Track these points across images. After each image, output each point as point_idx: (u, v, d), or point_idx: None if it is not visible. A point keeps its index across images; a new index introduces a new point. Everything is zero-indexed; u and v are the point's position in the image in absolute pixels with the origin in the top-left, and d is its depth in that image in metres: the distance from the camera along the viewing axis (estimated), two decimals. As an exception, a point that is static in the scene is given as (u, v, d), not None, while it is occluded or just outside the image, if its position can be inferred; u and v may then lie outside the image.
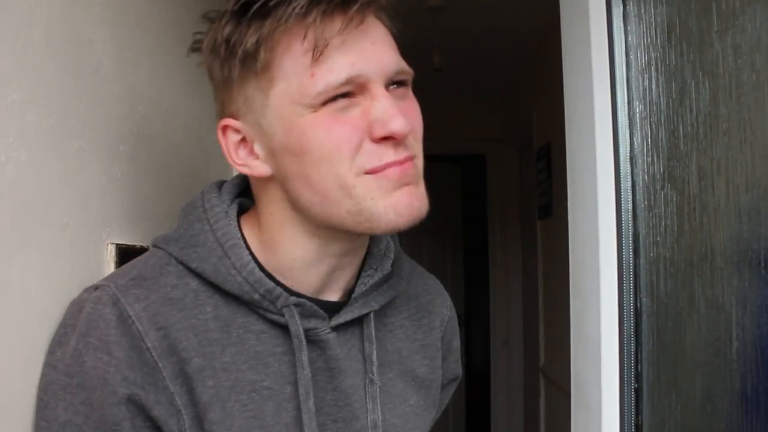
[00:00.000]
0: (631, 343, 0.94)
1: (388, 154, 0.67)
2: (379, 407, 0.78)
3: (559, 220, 1.14)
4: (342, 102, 0.66)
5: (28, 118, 0.71)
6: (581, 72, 1.00)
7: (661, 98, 0.92)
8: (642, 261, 0.93)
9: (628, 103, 0.96)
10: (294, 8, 0.64)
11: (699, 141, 0.86)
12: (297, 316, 0.72)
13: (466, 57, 3.18)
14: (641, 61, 0.96)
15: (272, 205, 0.74)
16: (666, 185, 0.91)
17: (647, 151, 0.93)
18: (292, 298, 0.72)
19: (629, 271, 0.94)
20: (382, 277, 0.78)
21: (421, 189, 0.71)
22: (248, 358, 0.72)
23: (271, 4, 0.65)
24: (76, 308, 0.72)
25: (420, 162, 0.71)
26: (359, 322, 0.78)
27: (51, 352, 0.71)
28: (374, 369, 0.77)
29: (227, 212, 0.75)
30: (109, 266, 0.87)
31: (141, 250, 0.95)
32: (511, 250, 3.78)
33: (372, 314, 0.78)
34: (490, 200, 3.81)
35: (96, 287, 0.71)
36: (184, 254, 0.73)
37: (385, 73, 0.68)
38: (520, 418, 3.90)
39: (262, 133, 0.70)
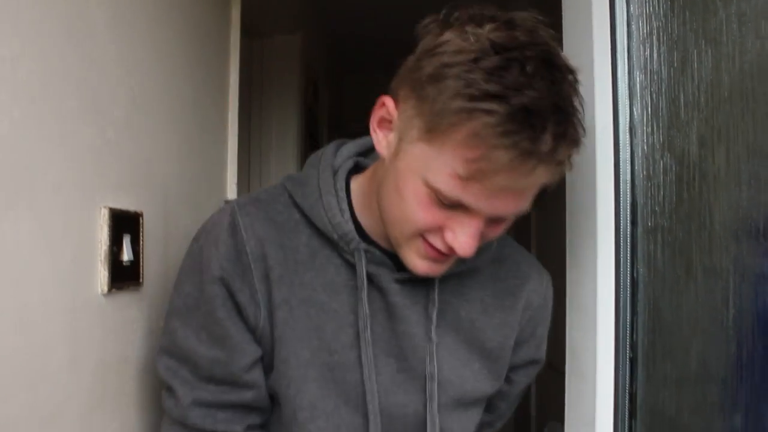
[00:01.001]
0: (626, 312, 0.93)
1: (441, 243, 0.77)
2: (435, 362, 0.87)
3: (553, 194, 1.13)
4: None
5: (20, 74, 0.69)
6: (582, 42, 0.99)
7: (663, 67, 0.91)
8: (639, 230, 0.92)
9: (629, 72, 0.95)
10: (522, 147, 0.66)
11: (700, 109, 0.85)
12: (363, 260, 0.84)
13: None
14: (643, 30, 0.95)
15: (373, 179, 0.86)
16: (665, 154, 0.90)
17: (647, 120, 0.92)
18: (363, 245, 0.85)
19: (626, 241, 0.93)
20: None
21: (447, 265, 0.83)
22: (324, 283, 0.86)
23: (527, 120, 0.66)
24: (210, 216, 0.90)
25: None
26: (429, 283, 0.87)
27: (190, 245, 0.89)
28: (432, 328, 0.87)
29: (333, 165, 0.90)
30: (103, 230, 0.86)
31: (135, 216, 0.95)
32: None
33: (437, 282, 0.87)
34: None
35: (226, 201, 0.91)
36: (294, 190, 0.89)
37: (496, 214, 0.75)
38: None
39: (397, 143, 0.77)
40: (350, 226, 0.85)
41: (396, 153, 0.77)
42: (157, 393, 1.03)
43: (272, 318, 0.84)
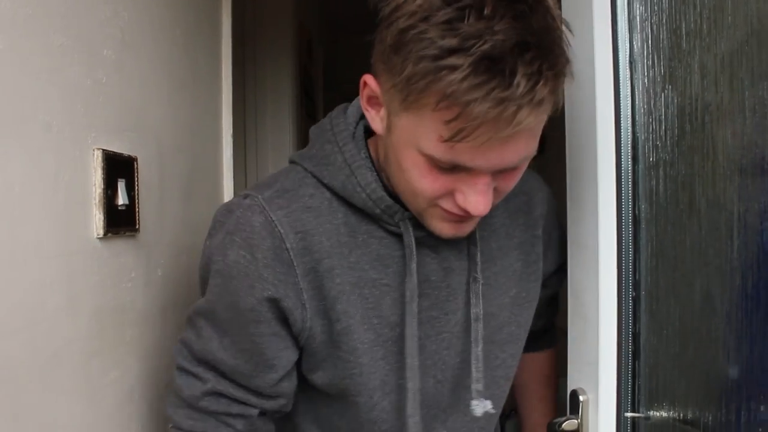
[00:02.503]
0: (629, 250, 0.92)
1: (455, 207, 0.75)
2: (481, 302, 0.88)
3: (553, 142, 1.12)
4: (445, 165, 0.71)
5: (3, 3, 0.67)
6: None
7: (663, -2, 0.89)
8: (641, 167, 0.91)
9: (628, 5, 0.93)
10: (495, 96, 0.63)
11: (702, 38, 0.83)
12: (411, 228, 0.82)
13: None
14: (643, -38, 0.93)
15: (381, 150, 0.83)
16: (667, 87, 0.88)
17: (647, 53, 0.90)
18: (408, 213, 0.82)
19: (628, 178, 0.92)
20: None
21: (472, 225, 0.82)
22: (371, 260, 0.83)
23: (493, 67, 0.63)
24: (226, 209, 0.85)
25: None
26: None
27: (209, 244, 0.85)
28: (478, 269, 0.87)
29: (354, 134, 0.84)
30: (96, 172, 0.85)
31: (129, 160, 0.93)
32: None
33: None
34: None
35: (246, 196, 0.83)
36: (318, 171, 0.83)
37: (497, 168, 0.72)
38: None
39: (387, 118, 0.75)
40: (391, 199, 0.82)
41: (388, 128, 0.75)
42: (158, 344, 1.03)
43: (329, 313, 0.82)
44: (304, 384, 0.90)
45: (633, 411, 0.96)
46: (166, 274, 1.07)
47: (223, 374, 0.85)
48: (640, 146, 0.92)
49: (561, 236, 1.03)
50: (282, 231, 0.79)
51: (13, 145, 0.69)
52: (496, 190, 0.76)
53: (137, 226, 0.95)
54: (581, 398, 0.96)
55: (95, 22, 0.86)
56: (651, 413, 0.95)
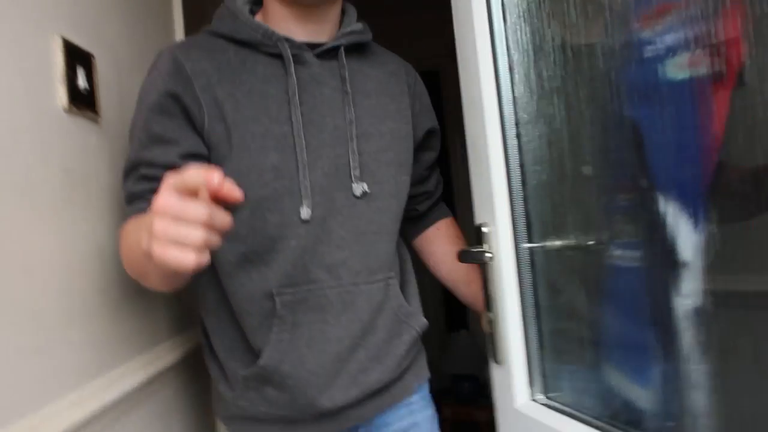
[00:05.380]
0: (510, 100, 1.11)
1: None
2: (353, 110, 1.14)
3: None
4: None
5: None
6: None
7: None
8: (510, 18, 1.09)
9: None
10: None
11: None
12: (287, 46, 1.09)
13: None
14: None
15: None
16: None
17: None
18: (283, 35, 1.09)
19: (501, 30, 1.10)
20: (350, 30, 1.17)
21: None
22: (259, 77, 1.08)
23: None
24: (155, 57, 1.11)
25: None
26: (339, 57, 1.14)
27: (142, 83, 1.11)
28: (347, 84, 1.14)
29: (236, 1, 1.14)
30: (57, 54, 1.02)
31: (87, 54, 1.11)
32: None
33: (343, 49, 1.14)
34: (447, 119, 3.75)
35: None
36: (213, 24, 1.12)
37: None
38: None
39: None
40: (267, 25, 1.09)
41: None
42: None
43: (221, 112, 1.05)
44: None
45: (529, 242, 1.14)
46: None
47: (147, 164, 1.06)
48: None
49: (429, 103, 1.35)
50: (181, 58, 1.06)
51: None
52: None
53: (98, 112, 1.13)
54: (484, 230, 1.14)
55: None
56: (545, 244, 1.13)
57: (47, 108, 1.00)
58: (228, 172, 1.04)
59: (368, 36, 1.21)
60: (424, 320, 1.26)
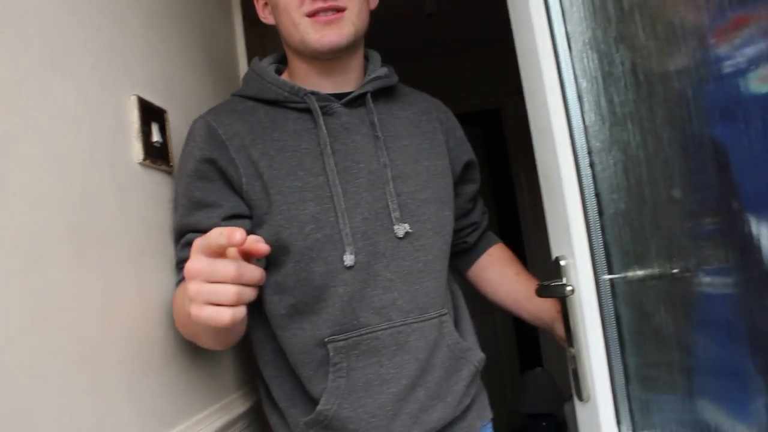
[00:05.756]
0: (580, 127, 1.08)
1: (318, 3, 1.09)
2: (386, 153, 1.15)
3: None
4: None
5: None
6: None
7: None
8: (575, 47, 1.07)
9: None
10: None
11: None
12: (314, 99, 1.12)
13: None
14: None
15: (285, 48, 1.21)
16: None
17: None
18: (309, 89, 1.13)
19: (567, 59, 1.08)
20: (375, 75, 1.19)
21: (341, 30, 1.11)
22: (290, 133, 1.12)
23: None
24: (190, 126, 1.16)
25: (350, 12, 1.12)
26: (366, 104, 1.17)
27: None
28: (378, 129, 1.15)
29: (262, 63, 1.20)
30: (133, 112, 1.07)
31: (160, 110, 1.15)
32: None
33: (369, 95, 1.17)
34: (511, 153, 3.84)
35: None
36: (240, 91, 1.19)
37: None
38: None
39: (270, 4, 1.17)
40: (293, 82, 1.15)
41: (273, 6, 1.16)
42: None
43: (258, 171, 1.08)
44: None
45: (610, 273, 1.09)
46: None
47: (192, 230, 1.09)
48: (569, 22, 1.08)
49: (463, 136, 1.36)
50: (214, 124, 1.11)
51: (68, 76, 0.91)
52: None
53: (171, 164, 1.16)
54: (562, 263, 1.10)
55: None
56: (627, 274, 1.08)
57: (125, 162, 1.04)
58: (270, 228, 1.07)
59: (394, 79, 1.23)
60: (482, 355, 1.24)
